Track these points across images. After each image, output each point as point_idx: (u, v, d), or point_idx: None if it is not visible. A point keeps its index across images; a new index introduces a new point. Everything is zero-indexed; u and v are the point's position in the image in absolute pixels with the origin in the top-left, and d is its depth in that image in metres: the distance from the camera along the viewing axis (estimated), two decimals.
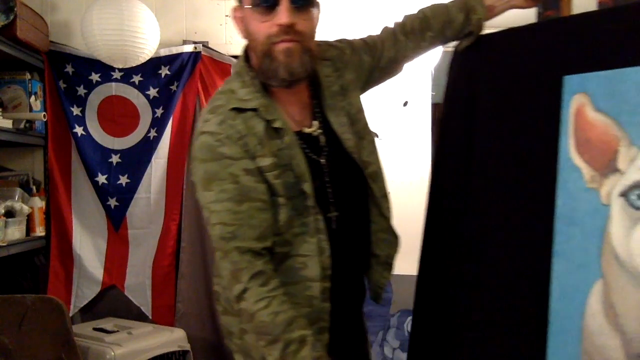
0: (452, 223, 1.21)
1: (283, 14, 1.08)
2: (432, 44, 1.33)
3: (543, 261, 1.02)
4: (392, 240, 1.28)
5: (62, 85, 2.50)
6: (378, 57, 1.29)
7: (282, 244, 1.13)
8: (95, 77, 2.52)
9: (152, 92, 2.51)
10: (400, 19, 1.32)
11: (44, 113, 2.44)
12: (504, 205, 1.13)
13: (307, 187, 1.13)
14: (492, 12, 1.29)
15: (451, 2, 1.30)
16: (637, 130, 0.96)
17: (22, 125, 2.29)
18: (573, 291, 0.99)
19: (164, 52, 2.48)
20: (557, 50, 1.09)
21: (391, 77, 1.36)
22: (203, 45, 2.50)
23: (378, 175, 1.24)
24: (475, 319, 1.12)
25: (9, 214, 2.23)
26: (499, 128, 1.18)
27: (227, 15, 2.61)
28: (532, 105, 1.11)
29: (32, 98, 2.43)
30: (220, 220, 1.09)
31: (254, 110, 1.14)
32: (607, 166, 0.98)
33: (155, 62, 2.47)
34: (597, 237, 0.97)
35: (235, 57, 2.38)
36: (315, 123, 1.21)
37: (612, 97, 0.98)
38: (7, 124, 2.21)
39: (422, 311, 1.28)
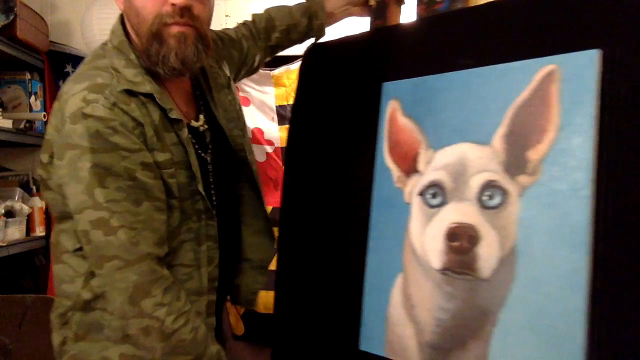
0: (296, 219, 1.65)
1: None
2: (278, 45, 1.70)
3: (361, 256, 1.43)
4: (267, 243, 1.54)
5: (62, 85, 3.08)
6: (245, 54, 1.63)
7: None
8: None
9: None
10: (249, 18, 1.70)
11: (44, 113, 2.94)
12: (332, 203, 1.55)
13: (201, 188, 1.28)
14: (332, 19, 1.70)
15: (295, 5, 1.69)
16: (434, 134, 1.33)
17: (22, 125, 2.78)
18: (381, 284, 1.38)
19: None
20: (380, 57, 1.50)
21: (246, 77, 1.74)
22: None
23: (257, 175, 1.53)
24: (305, 309, 1.56)
25: (9, 214, 2.65)
26: (333, 130, 1.60)
27: (227, 15, 3.14)
28: (359, 109, 1.52)
29: (32, 98, 2.93)
30: (122, 223, 1.17)
31: (148, 95, 1.24)
32: (410, 167, 1.37)
33: None
34: (401, 234, 1.36)
35: None
36: (201, 117, 1.39)
37: (416, 103, 1.37)
38: (7, 124, 2.65)
39: (280, 306, 1.69)
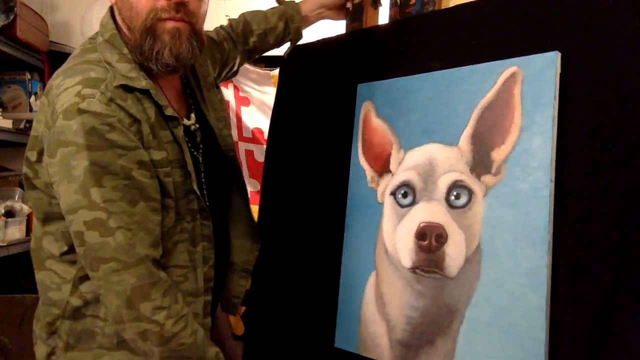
0: (274, 219, 1.67)
1: None
2: (256, 49, 1.71)
3: (337, 255, 1.45)
4: (249, 246, 1.51)
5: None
6: (226, 56, 1.63)
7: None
8: None
9: None
10: (226, 23, 1.71)
11: None
12: (311, 203, 1.58)
13: (196, 186, 1.25)
14: (307, 22, 1.71)
15: (270, 10, 1.70)
16: (404, 135, 1.35)
17: (22, 125, 2.77)
18: (355, 283, 1.40)
19: None
20: (356, 59, 1.52)
21: (225, 80, 1.75)
22: None
23: (243, 180, 1.52)
24: (282, 307, 1.58)
25: (9, 214, 2.62)
26: (310, 131, 1.62)
27: (227, 15, 3.16)
28: (336, 110, 1.54)
29: (32, 98, 2.92)
30: (119, 224, 1.12)
31: (144, 91, 1.20)
32: (383, 168, 1.39)
33: None
34: (374, 233, 1.38)
35: None
36: (192, 116, 1.36)
37: (389, 104, 1.39)
38: (7, 124, 2.67)
39: (256, 304, 1.71)
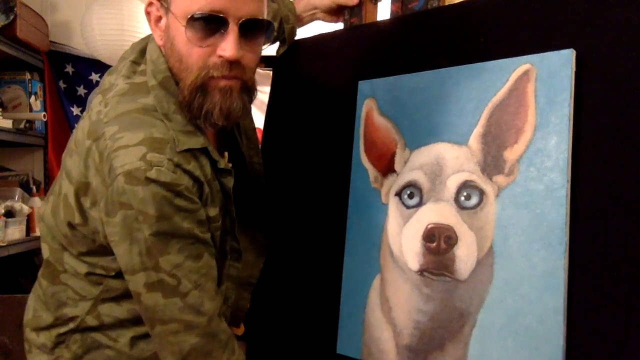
0: (273, 218, 1.58)
1: (230, 45, 1.04)
2: None
3: (338, 258, 1.36)
4: (253, 259, 1.44)
5: (62, 85, 3.10)
6: None
7: None
8: (95, 77, 3.13)
9: None
10: None
11: (44, 113, 2.94)
12: (310, 204, 1.48)
13: (235, 231, 1.23)
14: (301, 22, 1.62)
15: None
16: (410, 134, 1.27)
17: (22, 125, 2.76)
18: (358, 286, 1.32)
19: None
20: (356, 56, 1.42)
21: None
22: None
23: (265, 202, 1.43)
24: (283, 312, 1.49)
25: (9, 214, 2.61)
26: (309, 129, 1.53)
27: None
28: (336, 108, 1.45)
29: (32, 98, 2.92)
30: (189, 287, 1.08)
31: (202, 149, 1.12)
32: (387, 167, 1.30)
33: None
34: (378, 235, 1.29)
35: None
36: (226, 154, 1.25)
37: (393, 102, 1.31)
38: (7, 124, 2.64)
39: (257, 309, 1.61)
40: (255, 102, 2.74)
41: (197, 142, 1.11)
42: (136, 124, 1.07)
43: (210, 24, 1.03)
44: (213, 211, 1.14)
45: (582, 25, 1.08)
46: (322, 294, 1.41)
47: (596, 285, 1.01)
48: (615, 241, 1.01)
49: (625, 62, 1.03)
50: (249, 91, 1.14)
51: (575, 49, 1.07)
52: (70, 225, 1.17)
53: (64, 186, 1.18)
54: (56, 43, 3.09)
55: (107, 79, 1.21)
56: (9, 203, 2.67)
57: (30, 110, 2.93)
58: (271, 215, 1.49)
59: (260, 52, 1.15)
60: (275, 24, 1.56)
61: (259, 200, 1.42)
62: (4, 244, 2.53)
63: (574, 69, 1.06)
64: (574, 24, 1.09)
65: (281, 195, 1.56)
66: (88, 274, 1.20)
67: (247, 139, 1.34)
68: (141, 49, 1.22)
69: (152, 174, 1.02)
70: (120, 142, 1.05)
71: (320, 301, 1.41)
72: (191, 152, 1.09)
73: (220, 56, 1.05)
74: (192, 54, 1.06)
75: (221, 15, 1.03)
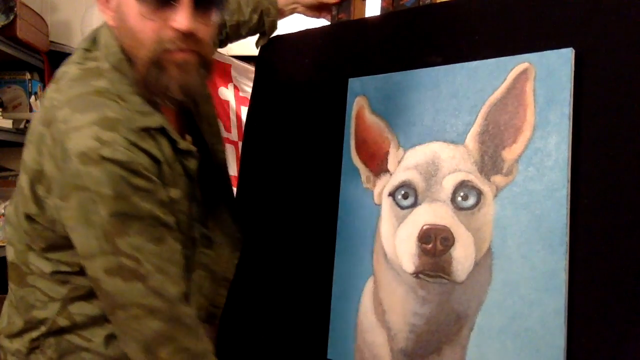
0: (256, 220, 1.52)
1: (183, 17, 1.02)
2: (228, 39, 1.60)
3: (329, 260, 1.32)
4: (228, 254, 1.38)
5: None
6: None
7: None
8: None
9: None
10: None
11: None
12: (298, 205, 1.44)
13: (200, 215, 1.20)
14: (282, 15, 1.60)
15: (244, 1, 1.56)
16: (404, 132, 1.25)
17: (22, 125, 2.69)
18: (349, 289, 1.28)
19: None
20: (345, 52, 1.39)
21: None
22: None
23: (232, 193, 1.41)
24: (271, 317, 1.44)
25: None
26: (295, 127, 1.48)
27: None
28: (324, 106, 1.41)
29: (32, 98, 2.84)
30: (150, 269, 1.03)
31: (160, 128, 1.10)
32: (380, 167, 1.27)
33: None
34: (370, 236, 1.26)
35: (236, 57, 2.83)
36: (189, 137, 1.23)
37: (385, 100, 1.28)
38: (7, 124, 2.61)
39: (231, 305, 1.53)
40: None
41: (154, 121, 1.09)
42: (89, 106, 1.04)
43: None
44: (175, 193, 1.12)
45: (581, 24, 1.08)
46: (311, 297, 1.36)
47: (597, 286, 1.01)
48: (617, 241, 1.00)
49: (625, 61, 1.03)
50: (207, 66, 1.12)
51: (574, 47, 1.06)
52: (29, 218, 1.13)
53: (21, 179, 1.14)
54: (56, 43, 3.02)
55: (61, 69, 1.16)
56: (8, 203, 2.67)
57: (30, 110, 2.86)
58: (242, 207, 1.47)
59: (215, 27, 1.13)
60: (255, 17, 1.56)
61: (225, 189, 1.39)
62: (4, 244, 2.55)
63: (573, 68, 1.06)
64: (573, 23, 1.09)
65: (268, 198, 1.51)
66: (53, 272, 1.15)
67: (209, 125, 1.30)
68: (93, 36, 1.18)
69: (107, 152, 0.99)
70: (72, 124, 1.02)
71: (310, 305, 1.36)
72: (148, 132, 1.07)
73: (174, 28, 1.03)
74: (145, 28, 1.04)
75: None
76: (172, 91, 1.07)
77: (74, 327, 1.17)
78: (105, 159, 0.99)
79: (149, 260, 1.03)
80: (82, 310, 1.16)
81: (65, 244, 1.10)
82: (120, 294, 1.03)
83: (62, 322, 1.16)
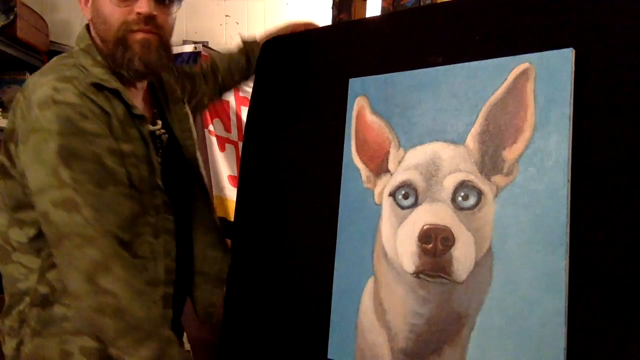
0: (256, 222, 1.53)
1: (144, 3, 1.25)
2: (225, 85, 1.72)
3: (330, 260, 1.32)
4: (220, 255, 1.50)
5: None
6: (196, 89, 1.66)
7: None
8: None
9: None
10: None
11: None
12: (299, 205, 1.44)
13: (160, 181, 1.30)
14: None
15: (234, 47, 1.72)
16: (404, 132, 1.25)
17: None
18: (350, 289, 1.28)
19: None
20: (346, 53, 1.39)
21: (194, 112, 1.72)
22: (203, 45, 2.88)
23: (208, 190, 1.52)
24: (272, 316, 1.44)
25: None
26: (296, 128, 1.49)
27: (227, 15, 3.09)
28: (324, 106, 1.42)
29: None
30: (86, 202, 1.15)
31: (114, 91, 1.27)
32: (380, 167, 1.27)
33: None
34: (371, 236, 1.26)
35: None
36: (159, 122, 1.41)
37: (385, 100, 1.28)
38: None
39: (232, 305, 1.57)
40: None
41: (110, 84, 1.26)
42: (53, 70, 1.27)
43: None
44: (126, 147, 1.24)
45: (581, 24, 1.08)
46: (312, 297, 1.36)
47: (597, 286, 1.01)
48: (617, 242, 1.01)
49: (625, 61, 1.04)
50: (166, 48, 1.33)
51: (574, 47, 1.07)
52: (2, 173, 1.29)
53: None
54: (56, 43, 3.03)
55: None
56: None
57: None
58: (242, 207, 1.55)
59: (174, 16, 1.35)
60: (243, 58, 1.69)
61: (197, 181, 1.49)
62: None
63: (573, 68, 1.06)
64: (573, 23, 1.09)
65: (268, 198, 1.51)
66: (29, 241, 1.28)
67: (179, 122, 1.46)
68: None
69: (58, 96, 1.18)
70: (38, 83, 1.22)
71: (311, 305, 1.36)
72: (100, 89, 1.25)
73: (138, 12, 1.26)
74: (115, 13, 1.26)
75: None
76: (135, 64, 1.27)
77: (54, 294, 1.26)
78: (57, 102, 1.18)
79: (87, 196, 1.16)
80: (58, 277, 1.25)
81: (30, 201, 1.24)
82: (64, 224, 1.15)
83: (43, 289, 1.27)
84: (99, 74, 1.27)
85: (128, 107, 1.28)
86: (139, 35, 1.28)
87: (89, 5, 1.33)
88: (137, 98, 1.37)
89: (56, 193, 1.15)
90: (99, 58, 1.30)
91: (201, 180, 1.50)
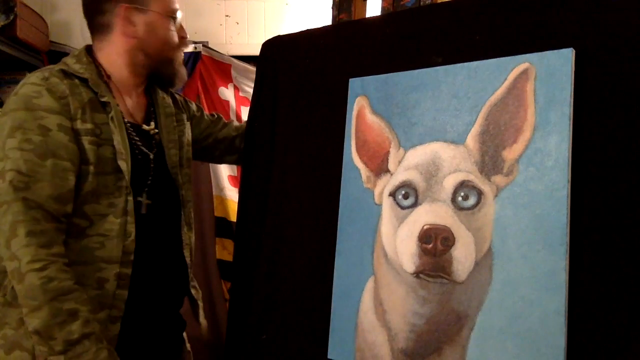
0: (258, 222, 1.53)
1: (183, 30, 1.53)
2: (226, 152, 1.77)
3: (330, 260, 1.33)
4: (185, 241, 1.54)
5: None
6: (207, 132, 1.72)
7: (80, 217, 1.29)
8: None
9: None
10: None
11: None
12: (299, 205, 1.44)
13: (124, 165, 1.34)
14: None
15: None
16: (404, 132, 1.25)
17: None
18: (350, 289, 1.28)
19: None
20: (346, 53, 1.39)
21: (206, 160, 1.85)
22: (203, 45, 2.89)
23: (189, 204, 1.57)
24: (272, 316, 1.44)
25: None
26: (296, 128, 1.49)
27: (227, 15, 3.09)
28: (324, 106, 1.42)
29: None
30: (15, 167, 1.21)
31: (83, 80, 1.35)
32: (380, 167, 1.28)
33: None
34: (371, 236, 1.27)
35: (236, 57, 2.87)
36: (153, 124, 1.51)
37: (385, 100, 1.28)
38: None
39: (235, 307, 1.59)
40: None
41: (80, 74, 1.36)
42: (41, 70, 1.36)
43: (175, 16, 1.51)
44: (82, 125, 1.30)
45: (581, 24, 1.08)
46: (312, 297, 1.37)
47: (597, 286, 1.01)
48: (617, 241, 1.01)
49: (625, 61, 1.04)
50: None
51: (574, 47, 1.07)
52: None
53: None
54: (56, 43, 3.07)
55: None
56: None
57: None
58: (242, 207, 1.58)
59: None
60: (238, 140, 1.76)
61: (171, 186, 1.54)
62: None
63: (573, 68, 1.06)
64: (573, 23, 1.09)
65: (269, 198, 1.51)
66: None
67: (167, 133, 1.53)
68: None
69: (27, 81, 1.30)
70: (24, 81, 1.33)
71: (311, 305, 1.36)
72: (71, 79, 1.34)
73: (182, 37, 1.53)
74: (174, 35, 1.50)
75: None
76: (178, 78, 1.56)
77: None
78: (24, 84, 1.30)
79: (21, 163, 1.21)
80: None
81: None
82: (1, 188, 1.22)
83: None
84: (77, 68, 1.37)
85: (96, 94, 1.36)
86: (182, 55, 1.56)
87: (130, 29, 1.45)
88: (130, 96, 1.50)
89: (1, 164, 1.23)
90: (84, 59, 1.41)
91: (178, 184, 1.54)
